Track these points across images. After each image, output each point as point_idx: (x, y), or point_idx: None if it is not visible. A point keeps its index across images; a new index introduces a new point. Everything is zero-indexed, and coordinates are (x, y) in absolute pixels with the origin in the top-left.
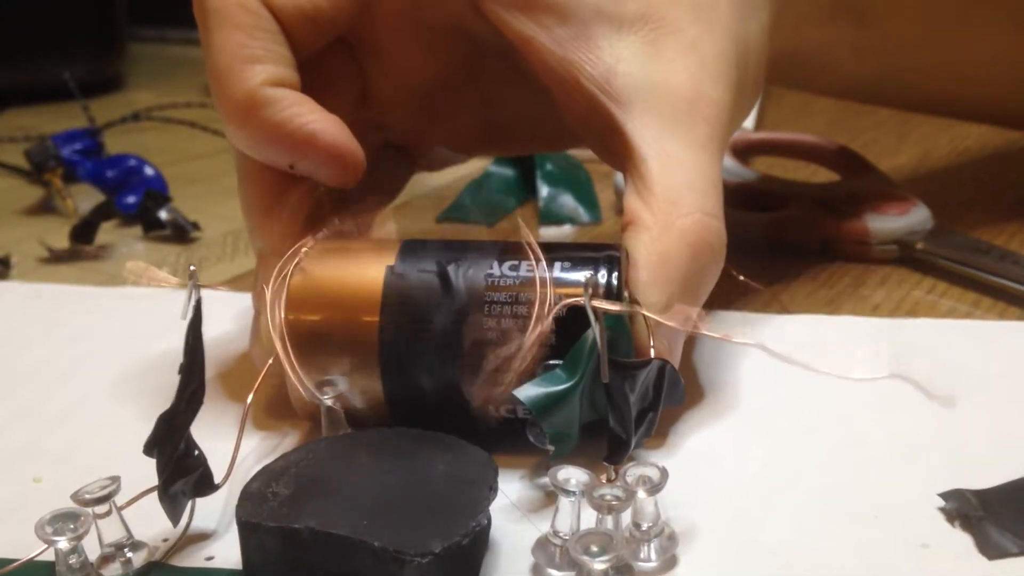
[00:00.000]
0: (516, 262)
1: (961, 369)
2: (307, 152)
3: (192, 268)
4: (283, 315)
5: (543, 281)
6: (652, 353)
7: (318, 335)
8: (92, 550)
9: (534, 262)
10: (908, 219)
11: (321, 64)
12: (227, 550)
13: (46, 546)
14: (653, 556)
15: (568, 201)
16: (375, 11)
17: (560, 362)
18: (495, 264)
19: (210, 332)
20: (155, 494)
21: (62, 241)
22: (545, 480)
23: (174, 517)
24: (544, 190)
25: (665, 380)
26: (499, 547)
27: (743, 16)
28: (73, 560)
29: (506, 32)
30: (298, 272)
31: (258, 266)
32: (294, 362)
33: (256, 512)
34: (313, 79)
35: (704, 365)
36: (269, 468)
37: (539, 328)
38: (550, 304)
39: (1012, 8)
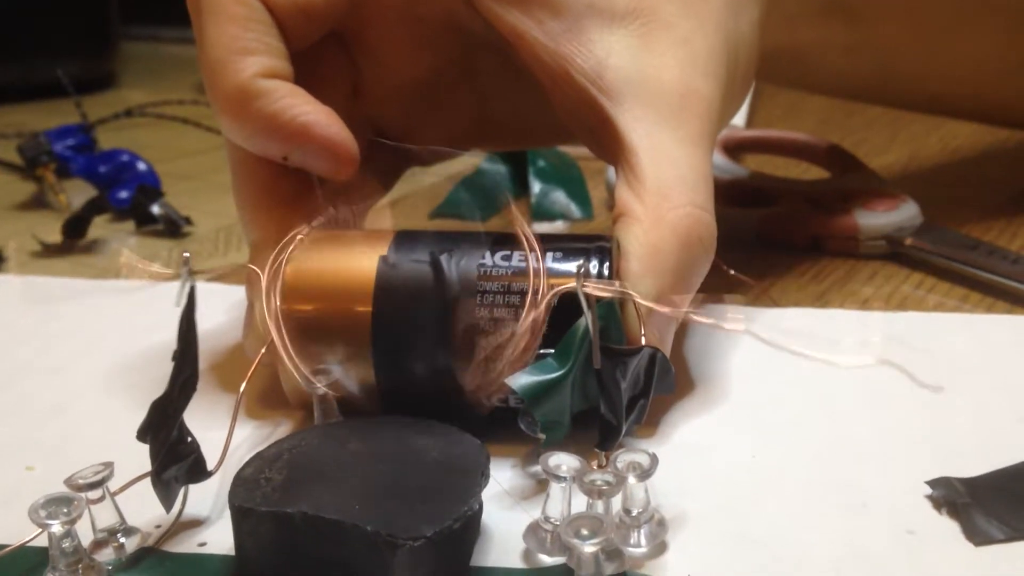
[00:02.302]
0: (508, 252)
1: (949, 360)
2: (300, 143)
3: (186, 255)
4: (278, 303)
5: (536, 271)
6: (643, 342)
7: (311, 325)
8: (85, 536)
9: (527, 252)
10: (897, 215)
11: (314, 58)
12: (220, 536)
13: (40, 530)
14: (643, 542)
15: (560, 197)
16: (368, 5)
17: (552, 351)
18: (488, 254)
19: (203, 324)
20: (148, 480)
21: (55, 235)
22: (537, 468)
23: (167, 503)
24: (536, 186)
25: (656, 368)
26: (491, 533)
27: (734, 12)
28: (66, 544)
29: (499, 26)
30: (291, 262)
31: (251, 257)
32: (289, 347)
33: (249, 497)
34: (306, 73)
35: (695, 356)
36: (262, 454)
37: (532, 316)
38: (543, 292)
39: (1002, 8)
